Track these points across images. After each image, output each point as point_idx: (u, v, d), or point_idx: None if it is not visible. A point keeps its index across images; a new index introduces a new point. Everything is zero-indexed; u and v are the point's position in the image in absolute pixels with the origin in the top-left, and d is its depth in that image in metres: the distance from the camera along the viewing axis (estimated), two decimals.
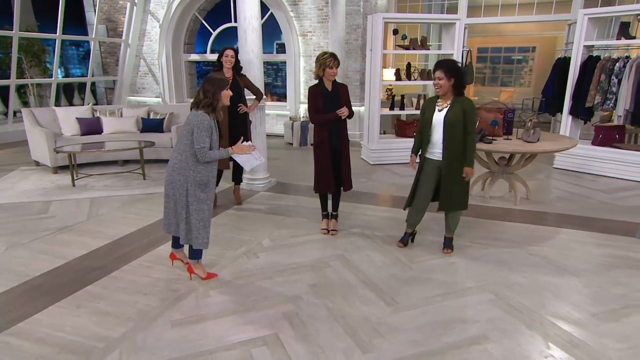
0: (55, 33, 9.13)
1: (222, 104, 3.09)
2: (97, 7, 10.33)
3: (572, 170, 6.49)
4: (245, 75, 4.84)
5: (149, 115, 7.42)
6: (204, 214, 3.08)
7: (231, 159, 3.87)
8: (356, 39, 8.71)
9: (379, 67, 6.71)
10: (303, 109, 9.31)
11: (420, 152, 3.72)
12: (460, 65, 3.63)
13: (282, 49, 10.24)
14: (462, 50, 7.36)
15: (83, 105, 9.47)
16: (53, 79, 9.64)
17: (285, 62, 9.64)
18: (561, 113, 6.71)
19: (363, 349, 2.52)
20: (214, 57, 8.23)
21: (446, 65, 3.40)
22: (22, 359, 2.44)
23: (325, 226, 4.23)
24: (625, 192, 5.56)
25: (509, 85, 14.35)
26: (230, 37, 10.08)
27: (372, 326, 2.73)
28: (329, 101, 3.85)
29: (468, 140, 3.42)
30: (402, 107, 7.41)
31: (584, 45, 6.23)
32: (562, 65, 7.08)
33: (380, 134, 7.21)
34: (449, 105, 3.43)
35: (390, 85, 8.54)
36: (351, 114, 3.91)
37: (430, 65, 9.46)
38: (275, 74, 13.39)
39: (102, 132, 7.02)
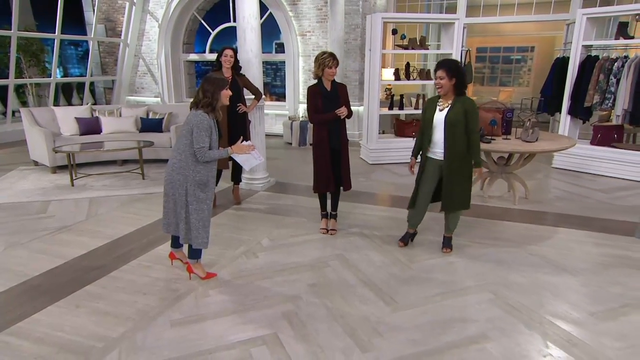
0: (54, 33, 9.12)
1: (221, 104, 3.10)
2: (96, 7, 10.33)
3: (571, 170, 6.50)
4: (244, 75, 4.84)
5: (147, 115, 7.42)
6: (203, 213, 3.08)
7: (230, 158, 3.87)
8: (355, 39, 8.71)
9: (378, 67, 6.71)
10: (302, 109, 9.30)
11: (421, 153, 3.72)
12: (461, 65, 3.62)
13: (281, 48, 10.24)
14: (461, 50, 7.36)
15: (82, 105, 9.45)
16: (52, 78, 9.62)
17: (284, 62, 9.63)
18: (560, 113, 6.72)
19: (362, 348, 2.52)
20: (213, 56, 8.22)
21: (448, 64, 3.40)
22: (21, 359, 2.44)
23: (324, 226, 4.23)
24: (623, 191, 5.57)
25: (508, 85, 14.36)
26: (229, 37, 10.08)
27: (371, 325, 2.74)
28: (328, 101, 3.85)
29: (472, 140, 3.43)
30: (401, 107, 7.43)
31: (583, 45, 6.23)
32: (561, 65, 7.09)
33: (379, 133, 7.22)
34: (450, 105, 3.43)
35: (389, 85, 8.55)
36: (350, 113, 3.91)
37: (429, 65, 9.47)
38: (274, 73, 13.40)
39: (101, 131, 7.01)
